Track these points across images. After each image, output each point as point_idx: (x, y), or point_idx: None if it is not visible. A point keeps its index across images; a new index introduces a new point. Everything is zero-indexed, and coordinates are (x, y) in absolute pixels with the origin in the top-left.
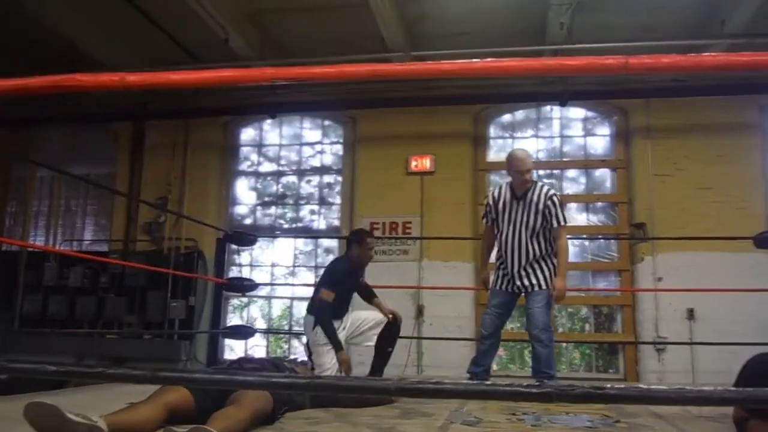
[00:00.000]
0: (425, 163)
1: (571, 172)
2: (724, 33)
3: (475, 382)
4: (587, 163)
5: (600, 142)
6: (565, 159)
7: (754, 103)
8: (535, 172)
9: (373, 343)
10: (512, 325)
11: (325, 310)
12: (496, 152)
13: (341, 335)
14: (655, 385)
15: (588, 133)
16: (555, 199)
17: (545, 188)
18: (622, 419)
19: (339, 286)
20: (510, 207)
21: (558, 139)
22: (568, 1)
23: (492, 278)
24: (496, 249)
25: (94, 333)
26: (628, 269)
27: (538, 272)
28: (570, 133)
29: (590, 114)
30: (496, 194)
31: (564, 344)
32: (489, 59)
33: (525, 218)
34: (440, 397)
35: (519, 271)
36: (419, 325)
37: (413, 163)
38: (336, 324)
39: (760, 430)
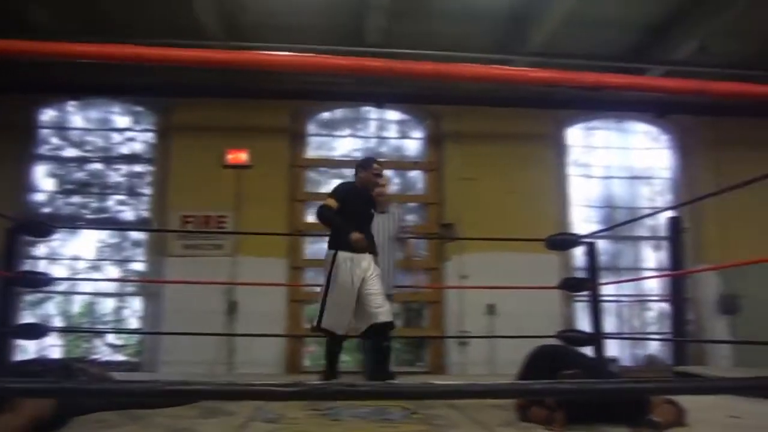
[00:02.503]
0: (242, 156)
1: (386, 173)
2: (526, 50)
3: (224, 382)
4: (401, 164)
5: (414, 144)
6: (380, 159)
7: (552, 117)
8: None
9: (362, 329)
10: None
11: (325, 209)
12: (314, 149)
13: (357, 275)
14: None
15: (403, 135)
16: None
17: None
18: (419, 410)
19: (345, 204)
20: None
21: (374, 140)
22: (385, 5)
23: None
24: None
25: None
26: (436, 267)
27: None
28: (386, 134)
29: (405, 117)
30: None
31: None
32: (310, 55)
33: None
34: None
35: None
36: (232, 321)
37: (229, 156)
38: (348, 262)
39: (538, 415)
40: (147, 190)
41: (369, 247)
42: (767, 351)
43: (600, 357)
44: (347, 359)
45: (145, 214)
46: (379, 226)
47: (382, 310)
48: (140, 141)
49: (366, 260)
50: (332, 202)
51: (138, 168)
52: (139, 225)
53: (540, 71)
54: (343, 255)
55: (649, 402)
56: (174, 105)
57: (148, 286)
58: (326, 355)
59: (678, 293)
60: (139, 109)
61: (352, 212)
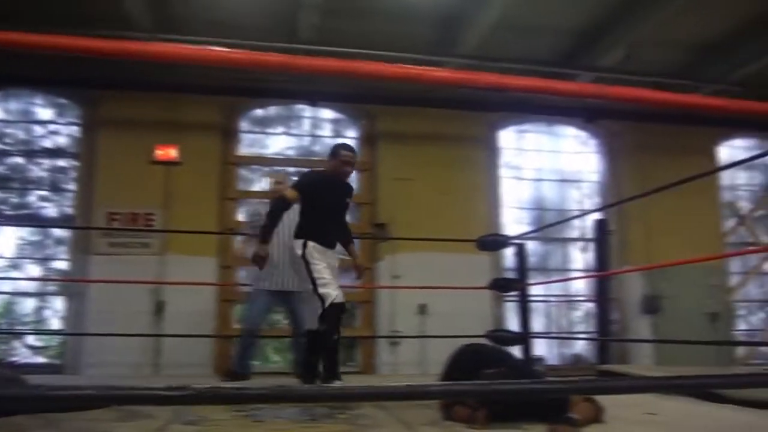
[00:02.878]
0: (171, 152)
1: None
2: (457, 52)
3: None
4: None
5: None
6: (314, 158)
7: (485, 120)
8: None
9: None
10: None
11: (279, 203)
12: (246, 147)
13: (326, 274)
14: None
15: (337, 134)
16: None
17: None
18: (345, 410)
19: (311, 195)
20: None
21: (308, 138)
22: (318, 2)
23: None
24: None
25: None
26: (369, 267)
27: None
28: (320, 133)
29: (339, 116)
30: None
31: None
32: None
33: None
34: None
35: None
36: (159, 321)
37: (158, 152)
38: (322, 255)
39: (461, 414)
40: (71, 186)
41: (334, 243)
42: (686, 349)
43: (524, 356)
44: (278, 359)
45: (69, 210)
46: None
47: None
48: (64, 135)
49: (333, 255)
50: (292, 194)
51: (62, 163)
52: (62, 222)
53: (442, 71)
54: (312, 245)
55: (568, 400)
56: (101, 98)
57: (71, 285)
58: (311, 353)
59: (603, 294)
60: (63, 101)
61: (322, 204)
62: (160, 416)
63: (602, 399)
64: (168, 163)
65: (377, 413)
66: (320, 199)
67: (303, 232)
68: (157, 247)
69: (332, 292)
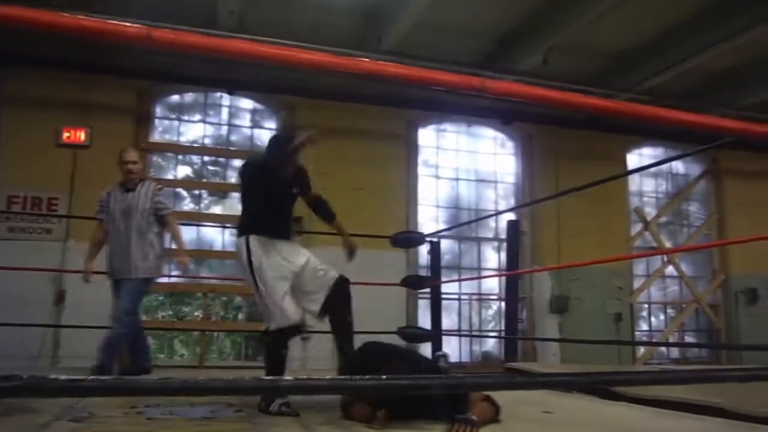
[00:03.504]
0: (80, 135)
1: (237, 162)
2: (380, 48)
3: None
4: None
5: (266, 135)
6: (231, 148)
7: (404, 117)
8: (200, 157)
9: (317, 308)
10: (163, 313)
11: None
12: (161, 133)
13: (284, 266)
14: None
15: (255, 124)
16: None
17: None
18: (244, 408)
19: (250, 187)
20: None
21: (225, 128)
22: None
23: None
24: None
25: None
26: None
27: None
28: (238, 122)
29: (259, 106)
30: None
31: (215, 333)
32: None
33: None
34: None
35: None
36: (59, 311)
37: (65, 135)
38: (268, 245)
39: (360, 412)
40: None
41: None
42: (591, 349)
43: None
44: (184, 352)
45: None
46: (130, 204)
47: (332, 272)
48: None
49: (286, 244)
50: None
51: None
52: None
53: (314, 54)
54: (255, 239)
55: (467, 400)
56: (6, 75)
57: None
58: (272, 361)
59: (513, 293)
60: None
61: (266, 197)
62: (47, 411)
63: (503, 396)
64: (76, 146)
65: None
66: (256, 189)
67: (245, 227)
68: (60, 232)
69: (283, 313)
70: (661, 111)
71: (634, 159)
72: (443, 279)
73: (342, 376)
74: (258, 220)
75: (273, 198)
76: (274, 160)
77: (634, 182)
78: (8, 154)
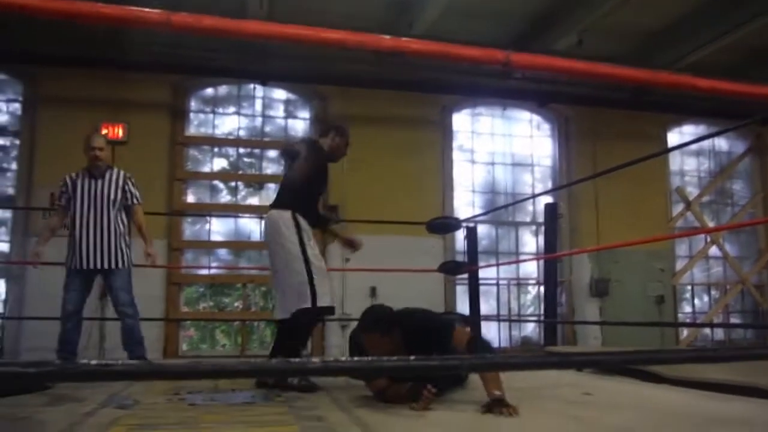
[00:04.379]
0: (118, 131)
1: (272, 153)
2: (411, 33)
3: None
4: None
5: (300, 125)
6: (266, 139)
7: (438, 103)
8: (235, 149)
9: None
10: (204, 305)
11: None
12: (196, 126)
13: (312, 252)
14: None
15: (289, 115)
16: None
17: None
18: (285, 393)
19: (311, 179)
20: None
21: (260, 119)
22: None
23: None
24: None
25: None
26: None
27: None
28: (272, 113)
29: (292, 96)
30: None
31: (256, 323)
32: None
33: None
34: None
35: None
36: (104, 305)
37: (104, 131)
38: (308, 229)
39: (396, 391)
40: (13, 165)
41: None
42: (632, 331)
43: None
44: (226, 342)
45: (10, 191)
46: (96, 192)
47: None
48: (5, 112)
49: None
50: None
51: (2, 141)
52: (2, 202)
53: (336, 32)
54: (301, 218)
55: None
56: (43, 74)
57: (11, 267)
58: (301, 337)
59: (552, 276)
60: (3, 77)
61: (312, 189)
62: (93, 400)
63: (543, 379)
64: (114, 142)
65: (315, 395)
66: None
67: (294, 203)
68: None
69: (326, 293)
70: (701, 81)
71: (675, 138)
72: (480, 264)
73: (368, 358)
74: (303, 204)
75: (320, 190)
76: (332, 157)
77: (674, 161)
78: (48, 152)
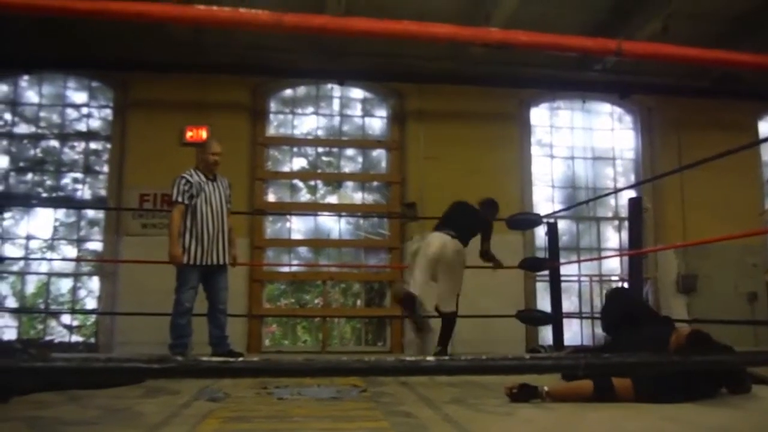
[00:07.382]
0: (201, 133)
1: (349, 151)
2: (489, 27)
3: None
4: (364, 143)
5: (377, 123)
6: (343, 138)
7: (516, 97)
8: (314, 149)
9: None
10: (285, 301)
11: None
12: (275, 127)
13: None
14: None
15: (366, 113)
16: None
17: None
18: (370, 388)
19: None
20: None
21: (337, 118)
22: None
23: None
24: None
25: None
26: (398, 247)
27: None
28: (349, 112)
29: (369, 95)
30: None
31: (336, 319)
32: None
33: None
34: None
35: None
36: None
37: (188, 134)
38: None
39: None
40: (104, 168)
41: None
42: (723, 330)
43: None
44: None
45: (103, 192)
46: (214, 194)
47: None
48: (97, 118)
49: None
50: None
51: (95, 145)
52: (95, 203)
53: (443, 27)
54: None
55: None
56: (131, 80)
57: (104, 265)
58: (451, 330)
59: (637, 273)
60: (95, 84)
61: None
62: (186, 392)
63: None
64: (198, 145)
65: (400, 391)
66: None
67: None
68: None
69: None
70: None
71: (767, 127)
72: (562, 260)
73: (478, 357)
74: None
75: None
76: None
77: (767, 151)
78: (137, 155)
